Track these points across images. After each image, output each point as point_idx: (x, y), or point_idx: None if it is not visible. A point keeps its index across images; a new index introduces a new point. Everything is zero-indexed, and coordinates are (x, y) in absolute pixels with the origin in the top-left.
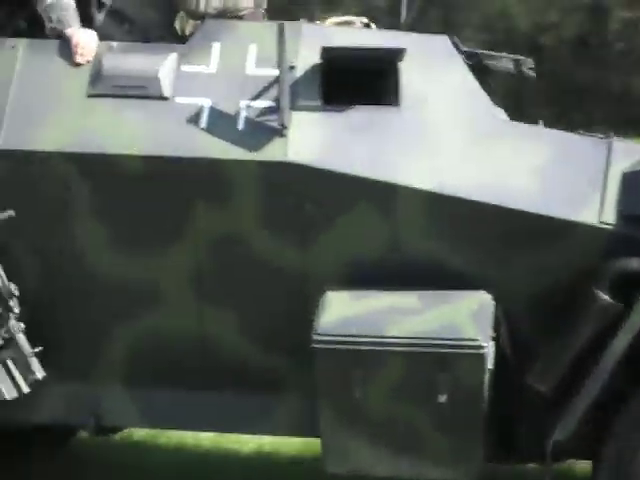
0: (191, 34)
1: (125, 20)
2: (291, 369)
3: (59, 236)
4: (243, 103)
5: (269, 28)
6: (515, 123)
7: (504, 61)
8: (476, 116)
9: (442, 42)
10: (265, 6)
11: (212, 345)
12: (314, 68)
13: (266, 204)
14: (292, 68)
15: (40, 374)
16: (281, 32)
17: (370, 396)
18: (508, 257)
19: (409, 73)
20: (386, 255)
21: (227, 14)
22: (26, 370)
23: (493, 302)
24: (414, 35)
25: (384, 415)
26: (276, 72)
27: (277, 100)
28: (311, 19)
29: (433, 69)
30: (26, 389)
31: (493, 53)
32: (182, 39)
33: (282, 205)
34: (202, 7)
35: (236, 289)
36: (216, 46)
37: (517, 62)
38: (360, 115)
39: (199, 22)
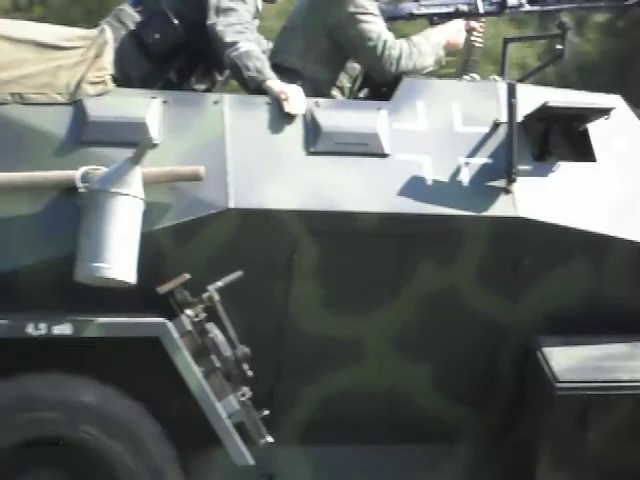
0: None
1: (297, 77)
2: (468, 421)
3: (279, 295)
4: (461, 160)
5: (468, 86)
6: None
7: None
8: None
9: (618, 101)
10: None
11: (399, 399)
12: (528, 125)
13: (487, 258)
14: (498, 125)
15: (270, 438)
16: (512, 92)
17: (601, 439)
18: None
19: (594, 129)
20: (586, 304)
21: (415, 74)
22: (257, 434)
23: None
24: (591, 94)
25: (614, 457)
26: (483, 130)
27: (493, 157)
28: None
29: (614, 127)
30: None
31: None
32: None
33: (502, 259)
34: (394, 69)
35: (436, 343)
36: (420, 104)
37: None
38: (568, 171)
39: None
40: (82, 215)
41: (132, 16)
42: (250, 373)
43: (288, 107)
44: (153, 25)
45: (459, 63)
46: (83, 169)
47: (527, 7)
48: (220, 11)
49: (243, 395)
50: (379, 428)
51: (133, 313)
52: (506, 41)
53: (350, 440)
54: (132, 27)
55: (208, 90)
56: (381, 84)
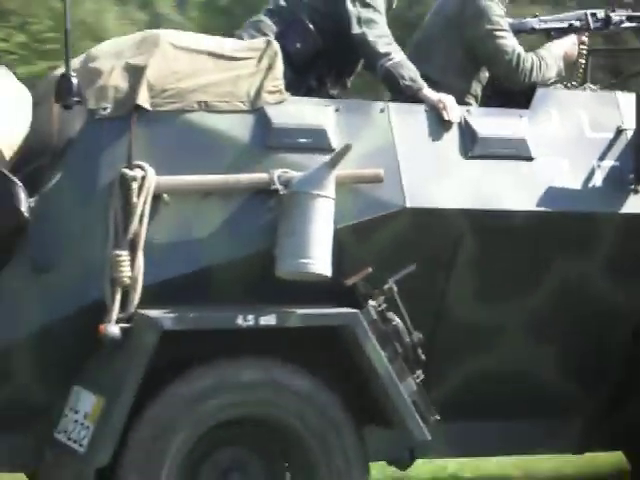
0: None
1: (437, 87)
2: (582, 397)
3: (440, 286)
4: (593, 162)
5: (592, 96)
6: None
7: None
8: None
9: None
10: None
11: (527, 379)
12: None
13: (616, 252)
14: (621, 131)
15: (438, 416)
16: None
17: None
18: None
19: None
20: None
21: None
22: (428, 412)
23: None
24: None
25: None
26: (608, 135)
27: (620, 160)
28: None
29: None
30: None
31: None
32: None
33: (629, 253)
34: (527, 80)
35: (562, 327)
36: (554, 111)
37: None
38: None
39: None
40: (282, 215)
41: (271, 26)
42: (423, 357)
43: (447, 115)
44: (293, 35)
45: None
46: (277, 172)
47: (626, 24)
48: (363, 22)
49: (417, 377)
50: (506, 405)
51: (308, 304)
52: (590, 52)
53: (481, 416)
54: (272, 37)
55: (338, 96)
56: (512, 93)
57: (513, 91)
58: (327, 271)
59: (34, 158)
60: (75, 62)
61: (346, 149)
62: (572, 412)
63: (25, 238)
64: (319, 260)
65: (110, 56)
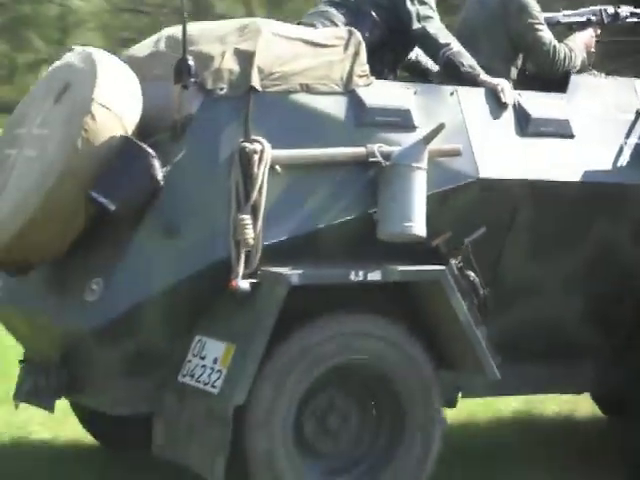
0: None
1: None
2: (596, 340)
3: (495, 245)
4: (621, 140)
5: (613, 81)
6: None
7: None
8: None
9: None
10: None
11: (556, 326)
12: None
13: None
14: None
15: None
16: None
17: None
18: None
19: None
20: None
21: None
22: (494, 355)
23: None
24: None
25: None
26: (630, 116)
27: None
28: None
29: None
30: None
31: None
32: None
33: None
34: (561, 68)
35: (589, 282)
36: (585, 95)
37: None
38: None
39: None
40: (384, 184)
41: (339, 17)
42: (490, 308)
43: (504, 97)
44: (362, 26)
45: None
46: (375, 147)
47: (631, 18)
48: (422, 18)
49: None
50: (538, 349)
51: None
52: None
53: (518, 359)
54: (342, 27)
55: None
56: (547, 80)
57: (540, 77)
58: (423, 233)
59: (151, 133)
60: (149, 42)
61: (440, 127)
62: (590, 355)
63: (157, 203)
64: (418, 223)
65: (214, 41)
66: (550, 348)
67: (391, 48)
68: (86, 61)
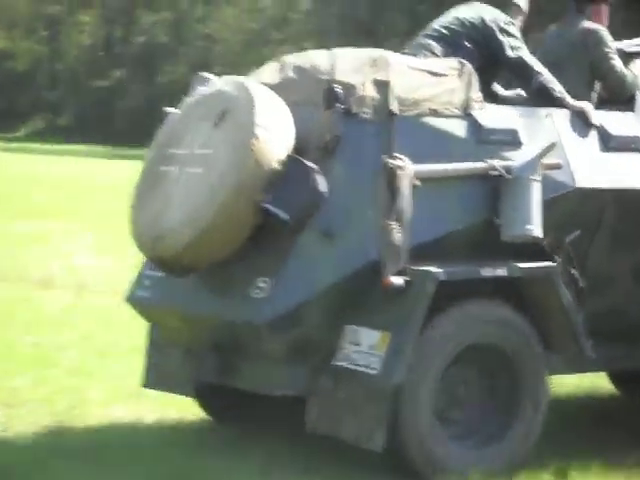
0: None
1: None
2: None
3: (585, 243)
4: None
5: None
6: None
7: None
8: None
9: None
10: None
11: (621, 312)
12: None
13: None
14: None
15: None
16: None
17: None
18: None
19: None
20: None
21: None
22: (585, 338)
23: None
24: None
25: None
26: None
27: None
28: None
29: None
30: None
31: None
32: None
33: None
34: (629, 92)
35: None
36: None
37: None
38: None
39: None
40: (507, 194)
41: (438, 48)
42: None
43: (592, 119)
44: (460, 56)
45: None
46: (495, 162)
47: None
48: (514, 48)
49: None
50: (609, 332)
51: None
52: None
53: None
54: (441, 58)
55: None
56: (615, 101)
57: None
58: (541, 234)
59: (299, 152)
60: (272, 70)
61: (552, 145)
62: None
63: (318, 212)
64: (537, 226)
65: (351, 71)
66: (621, 330)
67: (481, 75)
68: (240, 89)
